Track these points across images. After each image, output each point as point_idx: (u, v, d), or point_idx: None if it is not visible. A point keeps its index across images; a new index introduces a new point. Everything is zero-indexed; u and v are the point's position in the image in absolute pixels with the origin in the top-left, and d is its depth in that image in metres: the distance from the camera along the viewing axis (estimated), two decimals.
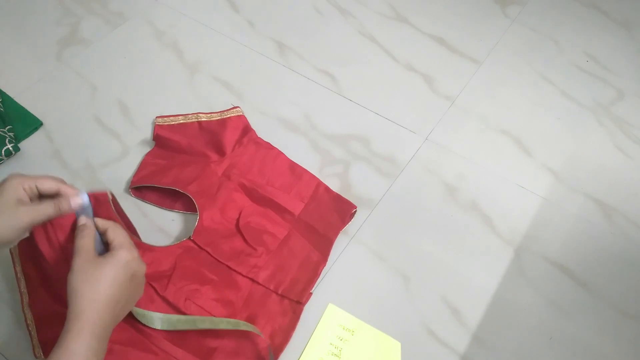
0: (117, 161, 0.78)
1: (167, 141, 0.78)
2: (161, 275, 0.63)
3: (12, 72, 0.88)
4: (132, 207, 0.73)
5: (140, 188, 0.74)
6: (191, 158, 0.77)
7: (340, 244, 0.72)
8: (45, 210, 0.51)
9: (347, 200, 0.74)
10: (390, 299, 0.68)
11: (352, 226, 0.73)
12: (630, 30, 1.02)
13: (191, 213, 0.72)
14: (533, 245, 0.73)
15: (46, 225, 0.53)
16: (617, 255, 0.73)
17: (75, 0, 1.00)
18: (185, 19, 0.98)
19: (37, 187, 0.51)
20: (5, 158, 0.76)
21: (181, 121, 0.80)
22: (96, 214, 0.54)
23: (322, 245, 0.69)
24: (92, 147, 0.80)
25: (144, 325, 0.58)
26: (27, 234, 0.52)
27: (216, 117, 0.80)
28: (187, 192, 0.70)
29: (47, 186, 0.51)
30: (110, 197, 0.56)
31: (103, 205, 0.55)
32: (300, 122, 0.85)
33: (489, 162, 0.82)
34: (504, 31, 1.00)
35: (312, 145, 0.82)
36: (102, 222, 0.53)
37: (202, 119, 0.80)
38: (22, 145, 0.79)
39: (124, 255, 0.49)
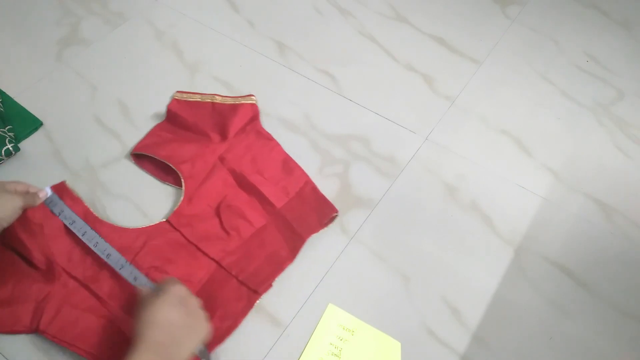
0: (117, 161, 0.78)
1: (176, 116, 0.81)
2: (130, 250, 0.67)
3: (12, 72, 0.88)
4: (133, 209, 0.73)
5: (140, 156, 0.77)
6: (194, 136, 0.79)
7: (340, 243, 0.72)
8: (29, 199, 0.65)
9: (330, 203, 0.74)
10: (390, 299, 0.68)
11: (352, 226, 0.73)
12: (630, 30, 1.02)
13: (178, 188, 0.74)
14: (533, 245, 0.73)
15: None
16: (617, 255, 0.73)
17: (75, 0, 1.00)
18: (185, 19, 0.99)
19: (14, 188, 0.65)
20: (5, 158, 0.76)
21: (198, 99, 0.83)
22: (62, 198, 0.70)
23: (294, 243, 0.70)
24: (92, 147, 0.80)
25: (105, 295, 0.64)
26: (19, 214, 0.63)
27: (230, 102, 0.82)
28: (179, 170, 0.73)
29: (21, 187, 0.66)
30: (67, 186, 0.72)
31: (65, 191, 0.71)
32: (300, 122, 0.85)
33: (489, 162, 0.82)
34: (504, 31, 1.00)
35: (312, 145, 0.82)
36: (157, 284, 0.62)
37: (217, 100, 0.83)
38: (22, 145, 0.79)
39: (171, 287, 0.57)
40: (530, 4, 1.06)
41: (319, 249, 0.71)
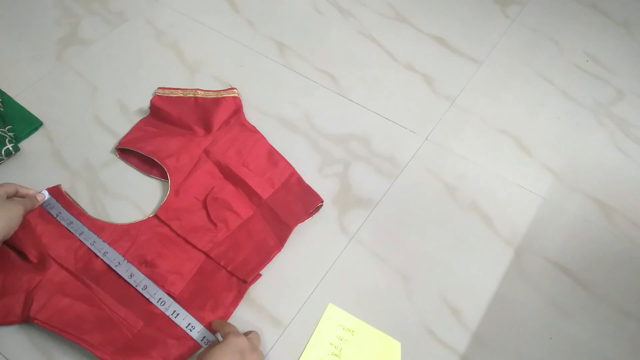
0: (117, 161, 0.78)
1: (160, 111, 0.82)
2: (120, 246, 0.68)
3: (12, 72, 0.88)
4: (134, 208, 0.73)
5: (124, 151, 0.78)
6: (178, 130, 0.80)
7: (340, 243, 0.72)
8: (28, 203, 0.67)
9: (315, 193, 0.75)
10: (390, 299, 0.68)
11: (352, 226, 0.73)
12: (630, 30, 1.02)
13: (166, 181, 0.75)
14: (533, 245, 0.73)
15: None
16: (617, 255, 0.73)
17: (75, 0, 1.00)
18: (185, 19, 0.99)
19: (5, 191, 0.66)
20: (5, 158, 0.76)
21: (180, 94, 0.84)
22: (58, 201, 0.71)
23: (281, 232, 0.70)
24: (92, 147, 0.80)
25: (97, 285, 0.65)
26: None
27: (212, 95, 0.84)
28: (165, 165, 0.74)
29: (11, 189, 0.66)
30: (62, 189, 0.73)
31: (60, 195, 0.72)
32: (300, 122, 0.85)
33: (489, 162, 0.82)
34: (504, 31, 1.00)
35: (312, 145, 0.82)
36: (216, 324, 0.63)
37: (199, 95, 0.84)
38: (22, 145, 0.79)
39: (234, 339, 0.57)
40: (530, 4, 1.06)
41: (319, 249, 0.71)
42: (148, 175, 0.77)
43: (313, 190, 0.75)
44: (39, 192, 0.70)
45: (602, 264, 0.72)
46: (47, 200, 0.71)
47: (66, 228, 0.69)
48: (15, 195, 0.68)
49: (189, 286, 0.66)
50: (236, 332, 0.59)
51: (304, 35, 0.97)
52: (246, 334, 0.60)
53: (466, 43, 0.98)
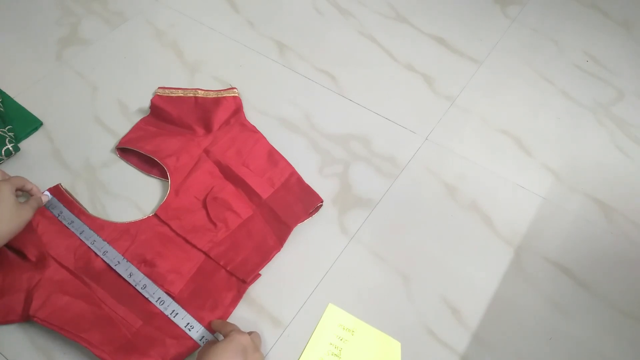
0: (117, 161, 0.78)
1: (160, 111, 0.82)
2: (120, 245, 0.69)
3: (12, 72, 0.88)
4: (134, 208, 0.74)
5: (125, 150, 0.78)
6: (178, 129, 0.80)
7: (340, 243, 0.72)
8: (34, 203, 0.66)
9: (315, 193, 0.75)
10: (390, 299, 0.68)
11: (352, 226, 0.73)
12: (630, 30, 1.02)
13: (166, 181, 0.75)
14: (533, 245, 0.73)
15: None
16: (617, 255, 0.73)
17: (75, 0, 1.00)
18: (185, 19, 0.99)
19: (14, 186, 0.65)
20: (5, 158, 0.76)
21: (180, 94, 0.84)
22: (60, 200, 0.72)
23: (281, 232, 0.71)
24: (92, 147, 0.80)
25: (96, 284, 0.65)
26: None
27: (212, 95, 0.84)
28: (165, 164, 0.75)
29: (20, 183, 0.66)
30: (62, 188, 0.73)
31: (61, 194, 0.72)
32: (300, 122, 0.85)
33: (489, 162, 0.82)
34: (504, 31, 1.00)
35: (312, 145, 0.82)
36: (216, 324, 0.63)
37: (199, 95, 0.84)
38: (22, 145, 0.79)
39: (236, 336, 0.57)
40: (530, 4, 1.06)
41: (319, 249, 0.71)
42: (148, 175, 0.77)
43: (313, 190, 0.75)
44: (43, 194, 0.70)
45: (602, 264, 0.72)
46: (50, 200, 0.71)
47: (67, 227, 0.69)
48: (21, 189, 0.68)
49: (188, 286, 0.66)
50: (239, 330, 0.59)
51: (304, 35, 0.97)
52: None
53: (466, 43, 0.98)
